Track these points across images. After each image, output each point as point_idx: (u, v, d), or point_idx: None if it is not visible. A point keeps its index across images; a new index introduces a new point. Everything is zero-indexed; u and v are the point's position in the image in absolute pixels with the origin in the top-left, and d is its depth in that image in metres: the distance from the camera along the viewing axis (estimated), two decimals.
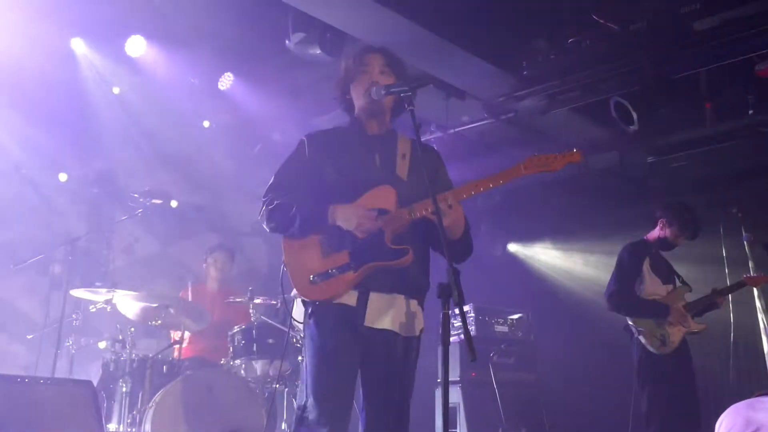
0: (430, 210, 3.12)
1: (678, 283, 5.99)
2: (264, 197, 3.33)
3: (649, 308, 5.74)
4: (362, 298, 3.17)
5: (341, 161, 3.33)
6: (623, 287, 5.78)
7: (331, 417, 3.06)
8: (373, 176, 3.31)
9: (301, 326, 3.38)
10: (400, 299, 3.24)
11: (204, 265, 7.27)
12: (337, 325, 3.16)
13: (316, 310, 3.20)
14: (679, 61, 6.35)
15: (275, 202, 3.27)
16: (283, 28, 6.64)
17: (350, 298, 3.17)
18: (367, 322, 3.16)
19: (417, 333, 3.28)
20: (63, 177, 7.80)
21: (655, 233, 6.01)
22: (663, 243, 5.97)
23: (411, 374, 3.28)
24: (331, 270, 3.15)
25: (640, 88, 6.62)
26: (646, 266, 5.85)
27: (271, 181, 3.38)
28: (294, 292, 3.28)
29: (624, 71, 6.55)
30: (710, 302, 5.83)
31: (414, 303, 3.29)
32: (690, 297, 5.85)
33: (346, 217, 3.16)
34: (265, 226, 3.33)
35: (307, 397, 3.10)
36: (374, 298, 3.18)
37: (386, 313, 3.19)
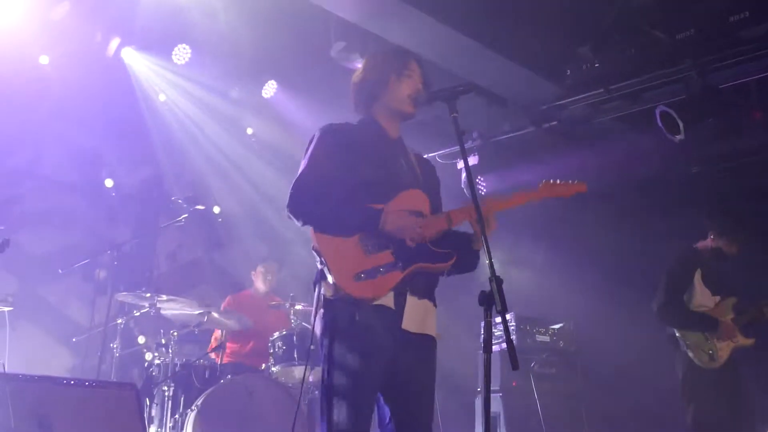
0: (473, 217, 3.08)
1: (726, 295, 5.83)
2: (294, 189, 3.20)
3: (699, 321, 5.60)
4: (399, 300, 3.12)
5: (370, 160, 3.28)
6: (673, 298, 5.64)
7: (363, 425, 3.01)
8: (404, 179, 3.31)
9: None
10: (430, 304, 3.26)
11: (252, 272, 7.36)
12: (377, 326, 3.06)
13: (353, 309, 3.05)
14: (727, 70, 6.25)
15: (312, 197, 3.17)
16: (326, 36, 6.69)
17: (388, 300, 3.10)
18: (405, 326, 3.11)
19: (439, 340, 3.28)
20: (109, 183, 7.93)
21: (707, 244, 5.85)
22: (716, 253, 5.81)
23: (434, 376, 3.26)
24: (380, 268, 3.07)
25: (686, 97, 6.52)
26: (697, 277, 5.70)
27: (301, 173, 3.25)
28: (324, 290, 3.12)
29: (670, 80, 6.47)
30: (758, 315, 5.69)
31: (435, 311, 3.29)
32: (737, 309, 5.72)
33: (399, 226, 3.10)
34: (295, 218, 3.21)
35: (335, 404, 2.98)
36: (411, 301, 3.15)
37: (422, 317, 3.18)
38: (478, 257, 3.34)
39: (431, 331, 3.23)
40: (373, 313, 3.05)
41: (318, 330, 3.16)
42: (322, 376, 3.06)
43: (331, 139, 3.29)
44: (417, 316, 3.16)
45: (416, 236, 3.10)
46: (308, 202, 3.17)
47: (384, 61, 3.45)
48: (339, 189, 3.17)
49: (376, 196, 3.18)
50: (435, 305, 3.30)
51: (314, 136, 3.32)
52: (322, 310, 3.12)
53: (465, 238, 3.27)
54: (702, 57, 6.18)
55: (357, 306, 3.05)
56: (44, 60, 6.76)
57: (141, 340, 7.08)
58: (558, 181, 3.39)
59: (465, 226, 3.27)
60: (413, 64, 3.42)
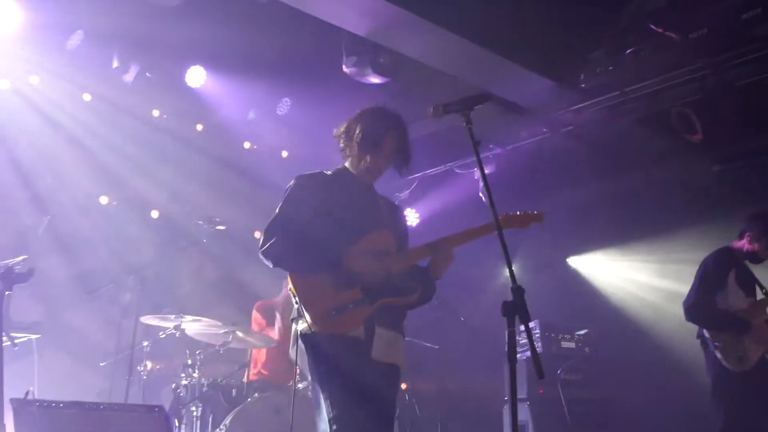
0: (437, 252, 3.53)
1: (760, 296, 5.72)
2: (266, 233, 3.48)
3: (731, 323, 5.51)
4: (368, 332, 3.38)
5: (342, 204, 3.54)
6: (705, 298, 5.57)
7: None
8: (371, 221, 3.58)
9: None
10: (397, 335, 3.54)
11: (283, 288, 7.35)
12: (351, 356, 3.33)
13: (329, 343, 3.34)
14: (742, 67, 6.21)
15: (284, 240, 3.43)
16: (338, 51, 6.72)
17: (359, 332, 3.37)
18: (374, 356, 3.38)
19: (405, 369, 3.58)
20: (155, 214, 8.00)
21: (743, 245, 5.75)
22: (751, 256, 5.72)
23: (395, 403, 3.58)
24: (350, 304, 3.34)
25: (702, 96, 6.49)
26: (731, 277, 5.62)
27: (273, 218, 3.52)
28: (302, 326, 3.39)
29: (685, 80, 6.44)
30: None
31: (403, 340, 3.59)
32: None
33: (361, 266, 3.39)
34: (267, 260, 3.48)
35: (333, 425, 3.24)
36: (380, 332, 3.41)
37: (389, 348, 3.45)
38: (434, 288, 3.67)
39: (397, 360, 3.51)
40: (345, 344, 3.34)
41: (300, 362, 3.47)
42: (317, 395, 3.35)
43: (304, 187, 3.58)
44: (384, 346, 3.42)
45: (381, 273, 3.40)
46: (276, 245, 3.43)
47: (364, 129, 3.64)
48: (307, 233, 3.43)
49: (344, 238, 3.44)
50: (404, 336, 3.60)
51: (290, 184, 3.62)
52: (300, 344, 3.41)
53: (425, 272, 3.60)
54: (716, 55, 6.15)
55: (331, 339, 3.34)
56: (62, 88, 6.84)
57: (168, 362, 7.10)
58: (517, 213, 3.66)
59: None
60: (389, 138, 3.63)
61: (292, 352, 3.49)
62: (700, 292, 5.62)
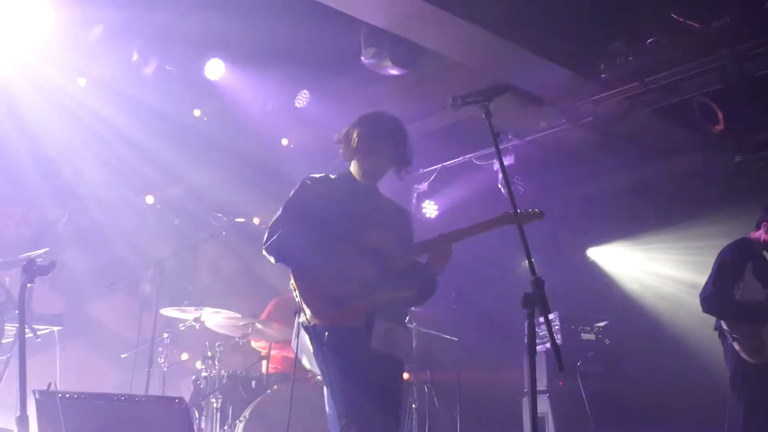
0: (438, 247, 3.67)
1: None
2: (269, 232, 3.62)
3: (748, 314, 5.46)
4: (368, 323, 3.49)
5: (343, 205, 3.68)
6: (722, 289, 5.53)
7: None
8: (371, 221, 3.69)
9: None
10: (398, 328, 3.64)
11: None
12: (352, 346, 3.45)
13: (330, 335, 3.45)
14: (763, 57, 6.14)
15: (286, 237, 3.57)
16: (357, 43, 6.71)
17: (358, 323, 3.49)
18: (373, 346, 3.48)
19: (408, 360, 3.73)
20: (150, 200, 8.03)
21: (759, 235, 5.68)
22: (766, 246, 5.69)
23: (398, 393, 3.69)
24: (349, 298, 3.48)
25: (723, 86, 6.42)
26: (749, 269, 5.56)
27: (277, 217, 3.66)
28: (303, 318, 3.52)
29: (706, 70, 6.37)
30: None
31: (405, 333, 3.74)
32: None
33: (362, 261, 3.54)
34: (270, 255, 3.63)
35: (342, 418, 3.37)
36: (378, 323, 3.50)
37: (388, 339, 3.53)
38: (435, 283, 3.74)
39: (397, 353, 3.63)
40: (345, 335, 3.46)
41: (305, 352, 3.60)
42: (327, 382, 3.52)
43: (309, 188, 3.72)
44: (383, 337, 3.52)
45: (378, 268, 3.54)
46: (278, 242, 3.58)
47: (361, 135, 3.77)
48: (308, 232, 3.58)
49: (344, 237, 3.58)
50: (406, 329, 3.73)
51: (296, 185, 3.77)
52: (303, 333, 3.55)
53: (424, 268, 3.69)
54: (738, 45, 6.08)
55: (332, 331, 3.46)
56: (82, 82, 6.89)
57: (184, 356, 7.14)
58: (519, 211, 3.57)
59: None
60: (386, 143, 3.75)
61: (293, 344, 3.62)
62: (716, 283, 5.58)
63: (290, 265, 3.60)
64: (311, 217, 3.62)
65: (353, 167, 3.84)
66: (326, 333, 3.45)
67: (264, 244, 3.62)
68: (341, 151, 3.87)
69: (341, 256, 3.55)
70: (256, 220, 8.32)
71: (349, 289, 3.51)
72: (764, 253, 5.71)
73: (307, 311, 3.47)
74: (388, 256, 3.60)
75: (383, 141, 3.76)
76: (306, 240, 3.57)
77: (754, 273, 5.58)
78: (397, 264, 3.61)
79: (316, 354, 3.53)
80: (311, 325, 3.48)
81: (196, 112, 7.85)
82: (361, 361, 3.44)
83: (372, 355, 3.47)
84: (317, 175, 3.79)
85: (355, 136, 3.78)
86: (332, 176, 3.84)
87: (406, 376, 6.86)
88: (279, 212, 3.68)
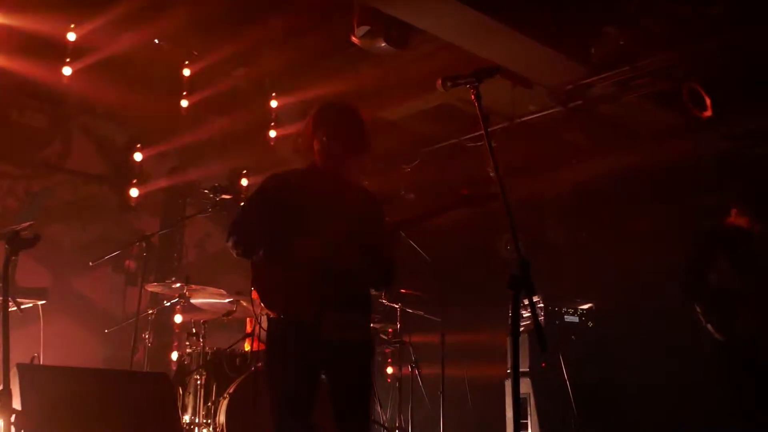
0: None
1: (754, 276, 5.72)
2: (232, 227, 3.79)
3: (721, 300, 5.50)
4: (316, 314, 3.59)
5: (303, 198, 3.77)
6: (692, 276, 5.61)
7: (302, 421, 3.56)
8: (330, 212, 3.74)
9: None
10: (352, 315, 3.73)
11: None
12: (298, 338, 3.59)
13: (279, 326, 3.66)
14: (756, 44, 6.14)
15: (244, 232, 3.75)
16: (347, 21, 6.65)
17: (307, 316, 3.60)
18: (323, 336, 3.58)
19: (368, 338, 3.87)
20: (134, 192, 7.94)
21: (731, 221, 5.73)
22: (740, 231, 5.68)
23: (366, 375, 3.79)
24: (299, 289, 3.61)
25: (714, 73, 6.42)
26: (723, 255, 5.59)
27: (237, 213, 3.90)
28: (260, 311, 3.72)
29: (698, 56, 6.37)
30: None
31: (362, 318, 3.83)
32: None
33: (308, 255, 3.63)
34: (232, 250, 3.80)
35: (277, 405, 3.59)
36: (328, 315, 3.60)
37: (341, 328, 3.63)
38: (389, 268, 3.85)
39: (355, 336, 3.70)
40: (294, 328, 3.61)
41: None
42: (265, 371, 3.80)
43: (268, 186, 3.85)
44: (333, 326, 3.61)
45: (328, 258, 3.62)
46: (236, 239, 3.75)
47: (318, 127, 3.87)
48: (264, 226, 3.72)
49: (298, 228, 3.68)
50: (363, 313, 3.83)
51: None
52: (258, 326, 3.86)
53: (378, 253, 3.76)
54: (729, 32, 6.07)
55: (282, 323, 3.64)
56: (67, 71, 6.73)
57: (172, 330, 7.13)
58: (474, 193, 3.70)
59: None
60: (342, 132, 3.82)
61: (263, 335, 3.83)
62: (688, 270, 5.64)
63: (246, 258, 3.76)
64: (268, 212, 3.76)
65: (317, 158, 3.91)
66: (277, 324, 3.65)
67: (226, 240, 3.80)
68: (300, 145, 3.96)
69: (290, 249, 3.65)
70: (226, 195, 8.25)
71: (300, 281, 3.62)
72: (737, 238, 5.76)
73: (263, 303, 3.67)
74: (339, 246, 3.68)
75: (341, 130, 3.83)
76: (259, 235, 3.72)
77: (729, 260, 5.63)
78: (348, 254, 3.69)
79: (266, 343, 3.79)
80: (269, 317, 3.68)
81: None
82: (308, 352, 3.58)
83: (322, 344, 3.58)
84: (280, 171, 3.91)
85: (312, 129, 3.88)
86: (298, 169, 3.96)
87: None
88: (239, 209, 3.94)
